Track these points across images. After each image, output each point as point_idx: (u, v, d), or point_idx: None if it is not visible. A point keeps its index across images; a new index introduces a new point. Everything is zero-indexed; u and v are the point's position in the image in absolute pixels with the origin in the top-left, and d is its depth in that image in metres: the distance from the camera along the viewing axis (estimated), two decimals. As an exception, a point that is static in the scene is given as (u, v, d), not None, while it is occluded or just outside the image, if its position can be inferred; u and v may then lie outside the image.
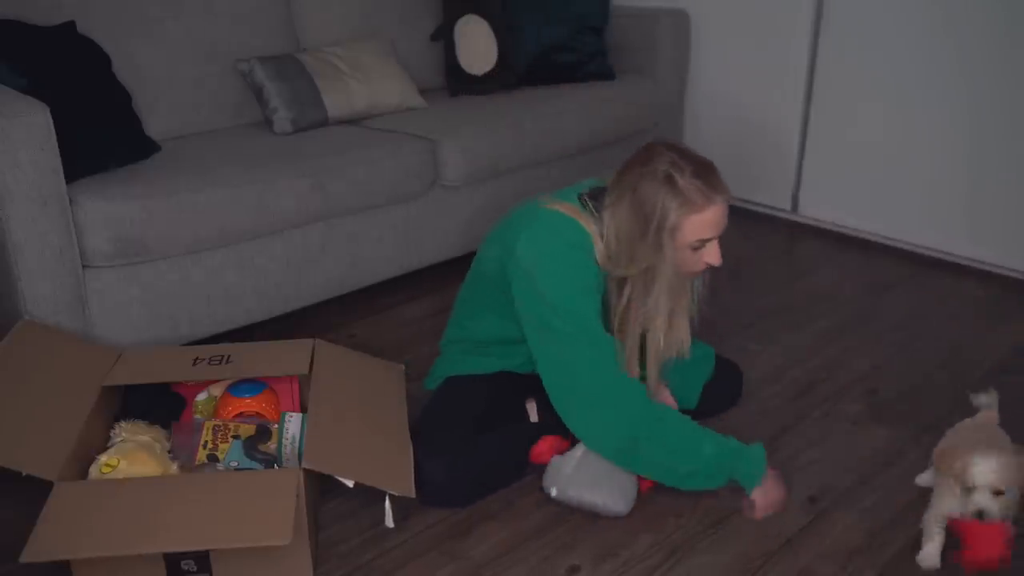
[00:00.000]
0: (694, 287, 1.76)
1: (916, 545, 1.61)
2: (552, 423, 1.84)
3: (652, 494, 1.75)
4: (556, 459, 1.71)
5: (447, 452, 1.69)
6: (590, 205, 1.66)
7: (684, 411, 1.88)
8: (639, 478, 1.73)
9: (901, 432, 1.98)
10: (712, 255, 1.61)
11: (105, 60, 2.29)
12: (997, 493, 1.43)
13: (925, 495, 1.75)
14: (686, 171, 1.53)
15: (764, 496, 1.67)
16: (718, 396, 2.00)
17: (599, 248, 1.64)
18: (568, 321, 1.61)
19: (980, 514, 1.44)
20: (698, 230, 1.56)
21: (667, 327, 1.68)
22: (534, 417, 1.86)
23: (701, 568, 1.57)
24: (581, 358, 1.61)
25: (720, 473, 1.66)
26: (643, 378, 1.75)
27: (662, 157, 1.55)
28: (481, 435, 1.74)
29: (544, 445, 1.77)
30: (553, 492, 1.69)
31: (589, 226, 1.64)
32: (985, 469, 1.43)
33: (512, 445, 1.78)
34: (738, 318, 2.52)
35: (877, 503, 1.74)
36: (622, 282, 1.67)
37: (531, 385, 1.85)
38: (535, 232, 1.64)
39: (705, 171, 1.55)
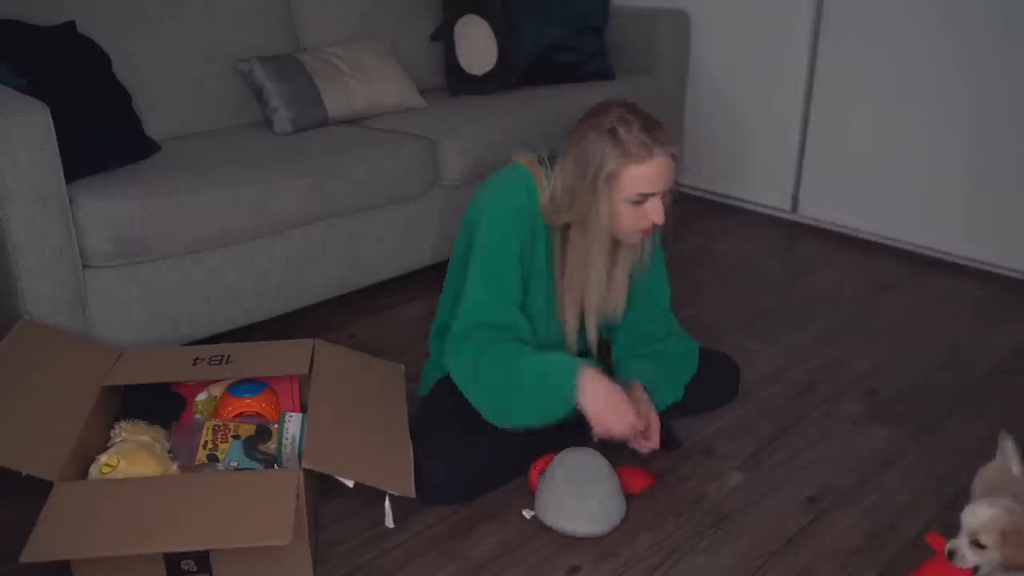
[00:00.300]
0: (643, 249, 1.75)
1: (916, 545, 1.62)
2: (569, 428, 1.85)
3: (651, 493, 1.75)
4: (539, 484, 1.71)
5: (445, 452, 1.69)
6: (546, 160, 1.71)
7: (674, 407, 1.89)
8: (630, 482, 1.73)
9: (901, 432, 1.98)
10: (655, 212, 1.61)
11: (105, 60, 2.29)
12: (977, 544, 1.37)
13: (925, 495, 1.76)
14: (632, 125, 1.56)
15: (594, 404, 1.63)
16: (715, 392, 2.01)
17: (543, 197, 1.68)
18: (487, 285, 1.68)
19: (951, 553, 1.40)
20: (637, 182, 1.58)
21: (604, 281, 1.70)
22: None
23: (701, 568, 1.57)
24: (468, 306, 1.69)
25: (548, 387, 1.63)
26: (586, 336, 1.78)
27: (612, 113, 1.59)
28: (479, 434, 1.74)
29: (536, 472, 1.75)
30: (527, 515, 1.69)
31: (539, 177, 1.69)
32: (974, 516, 1.39)
33: (510, 443, 1.77)
34: (738, 318, 2.52)
35: (877, 503, 1.74)
36: (566, 232, 1.69)
37: None
38: (488, 183, 1.74)
39: (651, 126, 1.57)
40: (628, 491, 1.72)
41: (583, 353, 1.85)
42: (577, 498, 1.63)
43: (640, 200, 1.60)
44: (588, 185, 1.60)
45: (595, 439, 1.85)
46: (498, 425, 1.68)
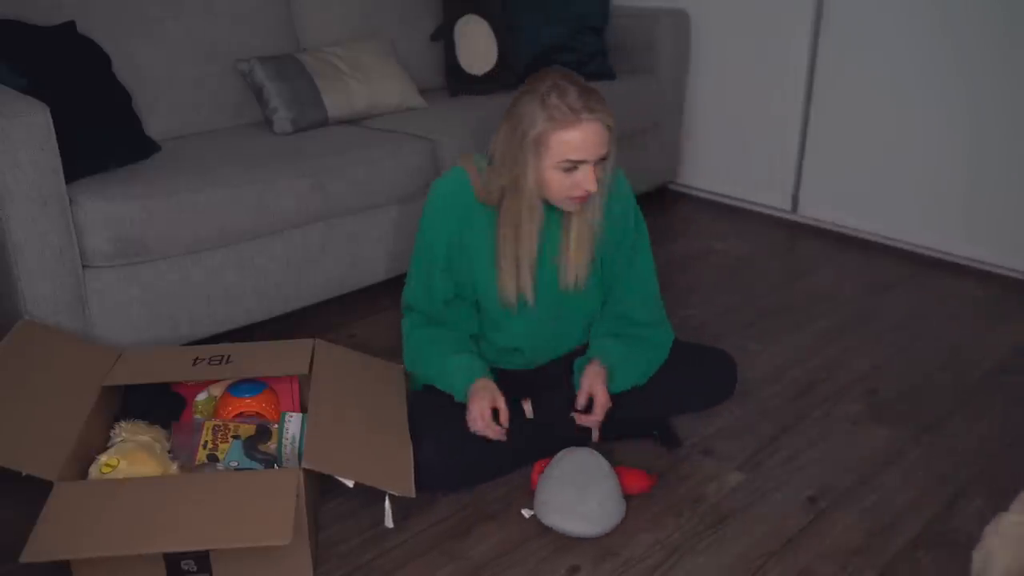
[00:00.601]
0: (590, 216, 1.73)
1: (916, 545, 1.62)
2: (547, 421, 1.85)
3: (651, 494, 1.75)
4: (538, 483, 1.71)
5: (440, 433, 1.70)
6: (477, 158, 1.77)
7: (672, 407, 1.90)
8: (630, 483, 1.73)
9: (901, 432, 1.98)
10: (587, 180, 1.61)
11: (105, 60, 2.29)
12: None
13: (925, 495, 1.76)
14: (564, 92, 1.58)
15: (469, 412, 1.72)
16: (711, 390, 1.97)
17: (476, 184, 1.72)
18: (419, 279, 1.82)
19: None
20: (565, 148, 1.59)
21: (535, 250, 1.71)
22: (529, 413, 1.86)
23: (701, 568, 1.57)
24: (407, 289, 1.86)
25: (447, 383, 1.78)
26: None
27: (547, 80, 1.61)
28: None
29: (537, 473, 1.76)
30: (526, 514, 1.70)
31: (472, 170, 1.74)
32: None
33: (510, 432, 1.78)
34: (738, 318, 2.52)
35: (877, 503, 1.74)
36: (503, 204, 1.72)
37: (524, 385, 1.85)
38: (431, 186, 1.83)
39: (583, 94, 1.59)
40: (627, 492, 1.72)
41: (526, 320, 1.85)
42: (575, 498, 1.63)
43: (570, 167, 1.61)
44: (518, 148, 1.62)
45: (594, 439, 1.87)
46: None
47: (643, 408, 1.88)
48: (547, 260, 1.77)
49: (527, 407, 1.86)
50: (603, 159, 1.63)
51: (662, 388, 1.86)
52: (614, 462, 1.73)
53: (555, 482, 1.66)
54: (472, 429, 1.72)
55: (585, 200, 1.68)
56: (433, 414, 1.75)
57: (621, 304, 1.88)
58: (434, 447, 1.68)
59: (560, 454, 1.71)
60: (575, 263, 1.77)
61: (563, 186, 1.63)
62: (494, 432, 1.71)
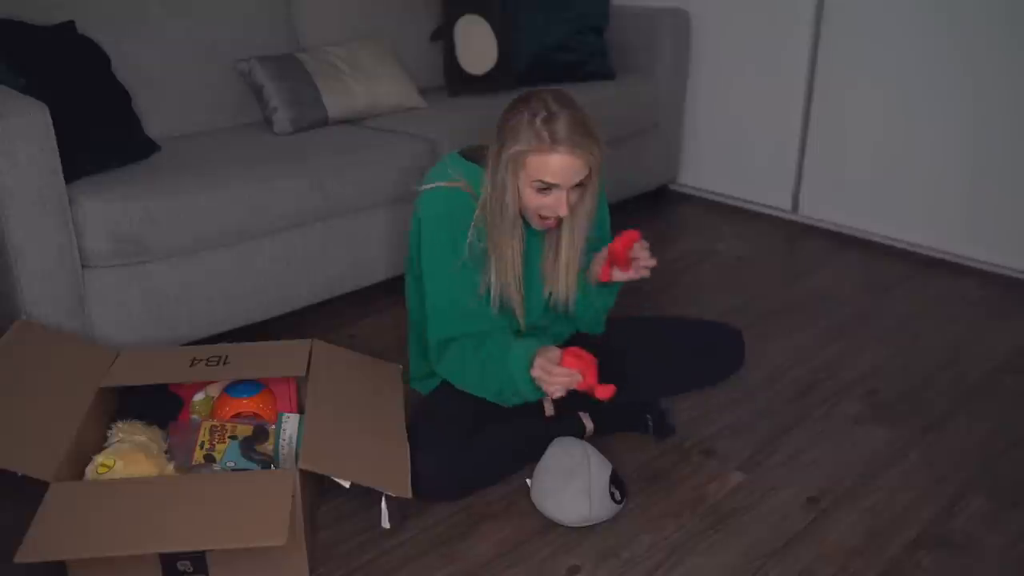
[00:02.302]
0: (577, 239, 1.74)
1: (916, 545, 1.61)
2: (562, 422, 1.85)
3: (651, 494, 1.75)
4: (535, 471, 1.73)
5: (438, 444, 1.69)
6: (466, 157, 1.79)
7: (683, 383, 1.92)
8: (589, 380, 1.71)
9: (901, 432, 1.97)
10: (558, 204, 1.64)
11: (105, 60, 2.29)
12: None
13: (925, 495, 1.75)
14: (555, 118, 1.59)
15: (543, 386, 1.63)
16: (719, 362, 1.97)
17: (464, 188, 1.73)
18: (441, 292, 1.73)
19: None
20: (540, 169, 1.61)
21: (519, 262, 1.72)
22: (549, 411, 1.87)
23: (701, 568, 1.57)
24: (433, 320, 1.75)
25: (516, 392, 1.67)
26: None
27: (540, 102, 1.62)
28: (475, 433, 1.75)
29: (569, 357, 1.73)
30: (529, 482, 1.75)
31: (461, 181, 1.74)
32: None
33: (505, 445, 1.77)
34: (738, 318, 2.51)
35: (877, 503, 1.74)
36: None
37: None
38: (426, 179, 1.78)
39: (572, 125, 1.59)
40: (595, 393, 1.70)
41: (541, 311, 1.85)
42: (564, 484, 1.65)
43: (543, 188, 1.63)
44: (500, 160, 1.65)
45: (587, 434, 1.86)
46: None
47: (654, 388, 1.89)
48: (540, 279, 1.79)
49: (547, 404, 1.86)
50: (579, 185, 1.65)
51: (671, 365, 1.87)
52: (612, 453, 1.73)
53: (541, 468, 1.69)
54: (563, 386, 1.62)
55: (554, 225, 1.70)
56: (433, 426, 1.74)
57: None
58: (434, 461, 1.68)
59: (553, 443, 1.72)
60: (565, 285, 1.78)
61: (534, 203, 1.66)
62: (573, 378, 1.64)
